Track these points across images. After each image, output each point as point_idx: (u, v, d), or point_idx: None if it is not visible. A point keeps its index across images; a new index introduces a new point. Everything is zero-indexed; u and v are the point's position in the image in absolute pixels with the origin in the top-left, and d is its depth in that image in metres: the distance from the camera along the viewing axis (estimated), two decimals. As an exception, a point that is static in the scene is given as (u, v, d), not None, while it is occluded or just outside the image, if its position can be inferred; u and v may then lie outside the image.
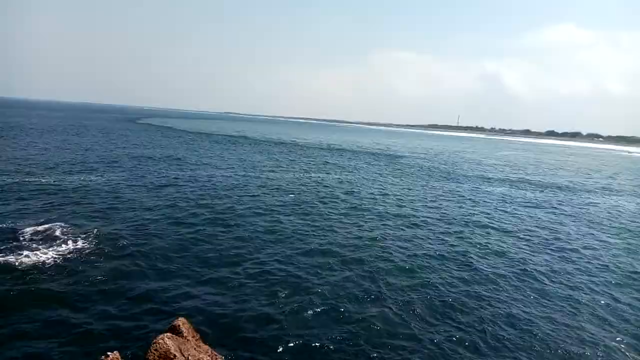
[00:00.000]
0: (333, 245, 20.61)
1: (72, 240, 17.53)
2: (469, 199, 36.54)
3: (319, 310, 13.64)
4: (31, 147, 48.79)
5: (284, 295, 14.52)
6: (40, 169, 33.99)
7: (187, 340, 8.93)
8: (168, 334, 8.63)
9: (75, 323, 11.69)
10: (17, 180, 28.77)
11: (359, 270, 17.69)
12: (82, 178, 31.48)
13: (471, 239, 23.90)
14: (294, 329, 12.47)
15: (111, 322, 11.92)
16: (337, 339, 12.16)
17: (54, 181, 29.58)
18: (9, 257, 15.12)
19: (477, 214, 30.43)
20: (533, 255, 21.60)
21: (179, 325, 9.13)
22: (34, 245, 16.56)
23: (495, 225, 27.46)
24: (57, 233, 18.31)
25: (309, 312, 13.46)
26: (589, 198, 43.12)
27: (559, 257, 21.77)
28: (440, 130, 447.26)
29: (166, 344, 8.00)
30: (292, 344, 11.66)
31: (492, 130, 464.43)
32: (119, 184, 30.58)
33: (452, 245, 22.19)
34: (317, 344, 11.78)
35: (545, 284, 17.71)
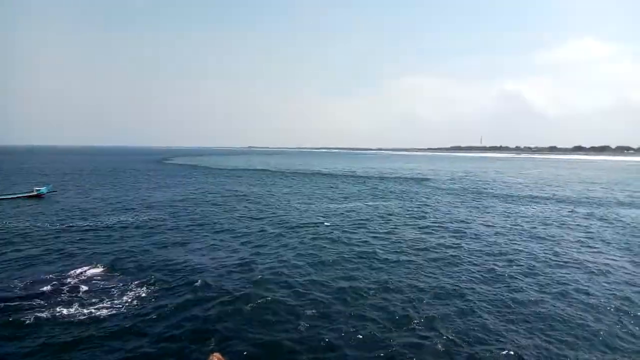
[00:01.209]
0: (376, 272, 21.23)
1: (116, 285, 18.21)
2: (505, 217, 36.66)
3: (364, 341, 14.03)
4: (70, 192, 51.75)
5: (324, 326, 14.71)
6: (81, 214, 35.90)
7: None
8: None
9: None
10: (59, 225, 30.31)
11: (404, 294, 18.27)
12: (122, 220, 32.98)
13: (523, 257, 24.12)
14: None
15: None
16: None
17: (97, 225, 31.26)
18: (61, 309, 15.46)
19: (518, 230, 30.56)
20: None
21: None
22: (81, 294, 17.09)
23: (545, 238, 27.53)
24: (101, 278, 19.05)
25: (351, 342, 13.70)
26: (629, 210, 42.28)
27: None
28: (464, 152, 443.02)
29: None
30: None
31: (517, 149, 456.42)
32: (159, 224, 31.74)
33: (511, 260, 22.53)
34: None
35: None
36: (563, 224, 34.02)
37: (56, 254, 22.89)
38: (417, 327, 14.60)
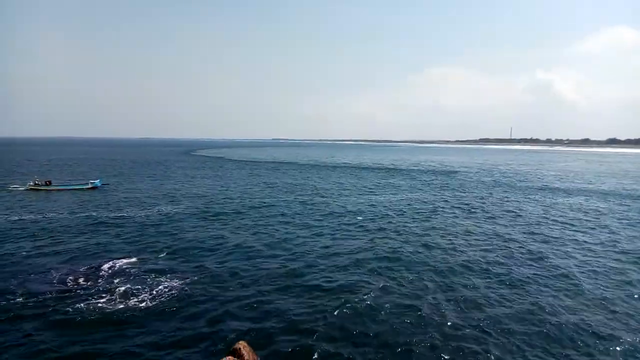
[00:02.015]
0: (405, 267, 21.91)
1: (149, 275, 18.83)
2: (539, 209, 37.22)
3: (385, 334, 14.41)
4: (117, 184, 54.79)
5: (347, 313, 15.15)
6: (125, 205, 38.02)
7: None
8: (229, 357, 9.35)
9: (141, 352, 12.73)
10: (104, 217, 31.74)
11: (440, 283, 19.45)
12: (158, 211, 34.25)
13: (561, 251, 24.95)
14: (359, 350, 12.98)
15: (174, 349, 12.82)
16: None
17: (137, 216, 32.67)
18: (97, 299, 16.10)
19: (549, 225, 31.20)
20: None
21: (239, 349, 9.44)
22: (116, 285, 17.57)
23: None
24: (135, 269, 19.62)
25: (375, 333, 13.99)
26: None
27: None
28: (493, 144, 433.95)
29: None
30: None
31: (549, 142, 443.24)
32: (193, 215, 33.10)
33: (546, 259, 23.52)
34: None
35: None
36: (600, 215, 34.45)
37: (96, 244, 23.89)
38: (454, 321, 15.69)
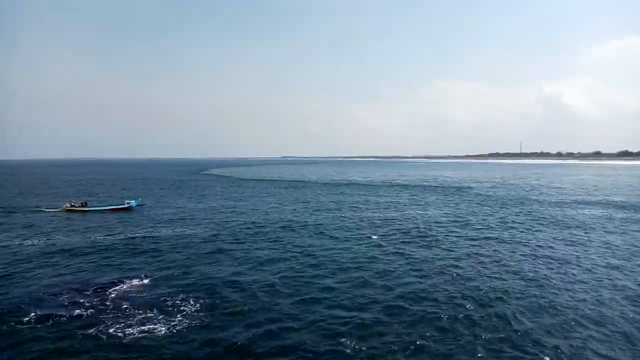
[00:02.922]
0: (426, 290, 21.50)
1: (160, 298, 18.96)
2: (561, 223, 38.27)
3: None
4: (150, 204, 56.57)
5: (371, 347, 14.76)
6: (153, 227, 38.66)
7: None
8: None
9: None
10: (130, 237, 32.48)
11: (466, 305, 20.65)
12: (181, 233, 34.68)
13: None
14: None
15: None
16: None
17: (162, 237, 33.30)
18: (106, 322, 16.37)
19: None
20: None
21: None
22: (125, 308, 17.80)
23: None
24: (144, 290, 19.96)
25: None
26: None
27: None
28: (503, 159, 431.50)
29: None
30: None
31: (559, 155, 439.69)
32: (203, 235, 33.51)
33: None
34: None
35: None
36: (621, 226, 35.46)
37: (118, 267, 24.27)
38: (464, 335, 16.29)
